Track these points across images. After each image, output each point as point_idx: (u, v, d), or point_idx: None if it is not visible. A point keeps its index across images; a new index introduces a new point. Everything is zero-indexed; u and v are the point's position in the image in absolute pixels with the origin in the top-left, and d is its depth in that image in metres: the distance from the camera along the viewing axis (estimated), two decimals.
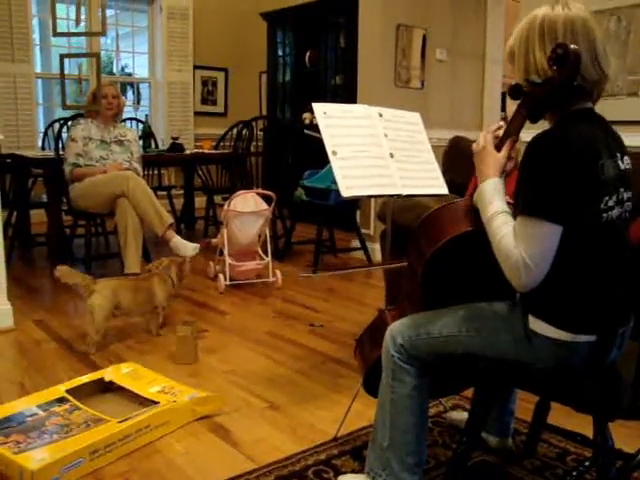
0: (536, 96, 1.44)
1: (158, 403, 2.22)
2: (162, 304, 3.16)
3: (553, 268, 1.36)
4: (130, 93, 7.87)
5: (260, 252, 4.23)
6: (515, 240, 1.36)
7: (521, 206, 1.37)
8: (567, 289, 1.40)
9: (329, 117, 2.05)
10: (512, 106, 1.55)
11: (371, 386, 1.84)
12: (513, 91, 1.48)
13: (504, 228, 1.39)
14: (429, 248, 1.58)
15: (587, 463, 1.80)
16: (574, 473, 1.78)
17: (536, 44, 1.42)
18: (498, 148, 1.52)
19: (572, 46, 1.35)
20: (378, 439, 1.69)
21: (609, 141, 1.43)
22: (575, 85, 1.39)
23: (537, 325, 1.44)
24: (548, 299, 1.41)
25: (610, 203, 1.38)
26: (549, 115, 1.49)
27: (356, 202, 4.85)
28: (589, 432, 1.62)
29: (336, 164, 1.99)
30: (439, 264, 1.59)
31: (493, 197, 1.45)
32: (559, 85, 1.39)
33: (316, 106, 2.06)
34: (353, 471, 1.92)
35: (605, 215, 1.38)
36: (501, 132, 1.54)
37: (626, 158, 1.46)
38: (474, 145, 1.57)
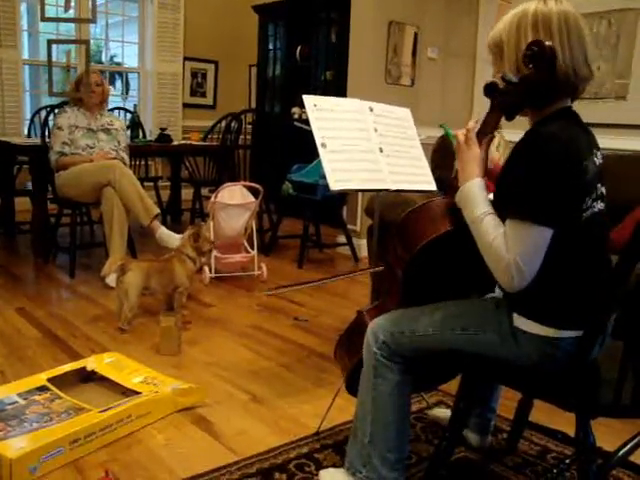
0: (512, 95, 1.42)
1: (140, 393, 2.20)
2: (184, 284, 3.26)
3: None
4: (119, 83, 7.80)
5: (246, 245, 4.21)
6: (506, 244, 1.36)
7: (512, 209, 1.37)
8: (550, 287, 1.41)
9: (319, 110, 2.05)
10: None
11: (353, 387, 1.83)
12: (488, 89, 1.46)
13: (494, 231, 1.39)
14: (407, 253, 1.58)
15: (567, 461, 1.82)
16: (555, 470, 1.80)
17: (529, 34, 1.40)
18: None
19: (547, 43, 1.34)
20: (359, 435, 1.68)
21: (589, 139, 1.43)
22: (553, 82, 1.37)
23: (522, 322, 1.45)
24: (532, 296, 1.41)
25: (589, 202, 1.39)
26: (530, 112, 1.48)
27: (343, 197, 4.84)
28: (570, 431, 1.63)
29: (325, 157, 1.98)
30: (419, 265, 1.59)
31: (480, 197, 1.45)
32: (535, 84, 1.38)
33: (307, 98, 2.06)
34: (335, 465, 1.92)
35: (585, 214, 1.39)
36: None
37: (599, 153, 1.46)
38: (455, 144, 1.56)
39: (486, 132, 1.50)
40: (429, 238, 1.54)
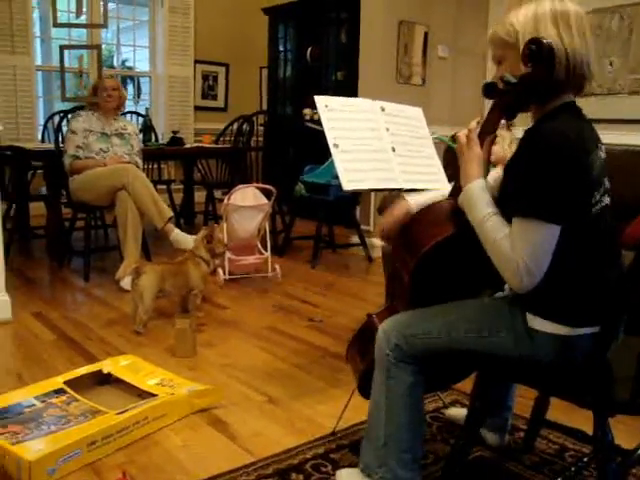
0: (511, 95, 1.41)
1: (156, 395, 2.21)
2: (198, 286, 3.28)
3: (549, 265, 1.35)
4: (130, 87, 7.85)
5: (259, 247, 4.22)
6: (512, 243, 1.35)
7: (518, 207, 1.36)
8: (563, 285, 1.40)
9: (331, 110, 2.04)
10: None
11: (365, 390, 1.82)
12: (487, 90, 1.45)
13: (499, 232, 1.38)
14: (412, 258, 1.58)
15: (586, 459, 1.80)
16: (573, 469, 1.78)
17: (549, 26, 1.38)
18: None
19: (546, 41, 1.33)
20: (373, 437, 1.67)
21: (592, 133, 1.43)
22: (559, 79, 1.37)
23: (536, 322, 1.44)
24: (544, 295, 1.40)
25: (598, 197, 1.39)
26: (533, 107, 1.47)
27: (356, 197, 4.84)
28: (588, 429, 1.62)
29: (338, 157, 1.97)
30: (426, 268, 1.58)
31: (483, 199, 1.44)
32: (534, 83, 1.37)
33: (318, 99, 2.05)
34: (351, 465, 1.91)
35: (595, 209, 1.38)
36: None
37: (603, 147, 1.45)
38: (457, 146, 1.54)
39: (488, 132, 1.49)
40: (432, 243, 1.54)
